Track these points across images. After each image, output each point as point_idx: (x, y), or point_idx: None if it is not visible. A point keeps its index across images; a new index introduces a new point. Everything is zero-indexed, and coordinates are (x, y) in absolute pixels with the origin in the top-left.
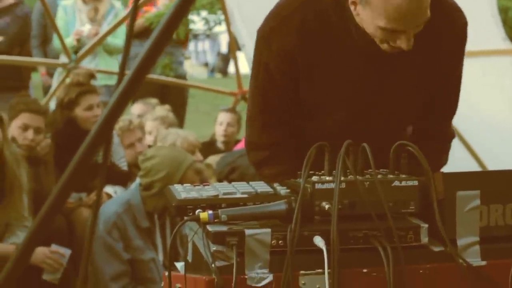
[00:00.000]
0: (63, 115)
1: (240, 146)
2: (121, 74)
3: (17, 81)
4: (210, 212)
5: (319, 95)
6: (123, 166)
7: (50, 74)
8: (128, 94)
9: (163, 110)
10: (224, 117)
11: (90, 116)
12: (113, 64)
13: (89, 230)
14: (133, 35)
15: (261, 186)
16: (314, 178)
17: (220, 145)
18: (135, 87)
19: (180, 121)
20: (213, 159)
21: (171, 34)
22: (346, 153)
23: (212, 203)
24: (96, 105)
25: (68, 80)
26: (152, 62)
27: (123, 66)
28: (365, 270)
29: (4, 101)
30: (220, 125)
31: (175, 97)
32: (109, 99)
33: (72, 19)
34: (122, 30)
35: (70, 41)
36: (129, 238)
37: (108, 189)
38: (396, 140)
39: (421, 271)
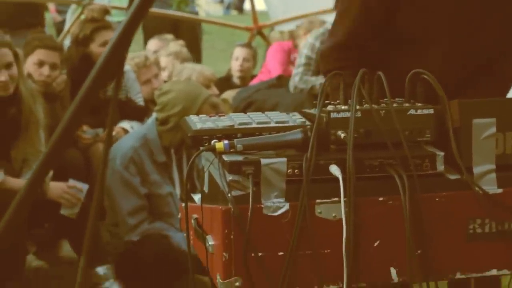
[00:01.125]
0: (78, 51)
1: (256, 81)
2: (130, 2)
3: (33, 18)
4: (226, 142)
5: (420, 23)
6: (140, 101)
7: (60, 11)
8: (134, 24)
9: (177, 46)
10: (240, 52)
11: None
12: (127, 0)
13: (101, 164)
14: None
15: (276, 116)
16: (330, 107)
17: (236, 80)
18: (143, 14)
19: (196, 58)
20: (229, 94)
21: None
22: (361, 82)
23: (228, 133)
24: (103, 44)
25: (82, 17)
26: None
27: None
28: (381, 199)
29: (21, 38)
30: (236, 60)
31: (188, 33)
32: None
33: None
34: None
35: None
36: (146, 172)
37: (125, 124)
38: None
39: (437, 199)
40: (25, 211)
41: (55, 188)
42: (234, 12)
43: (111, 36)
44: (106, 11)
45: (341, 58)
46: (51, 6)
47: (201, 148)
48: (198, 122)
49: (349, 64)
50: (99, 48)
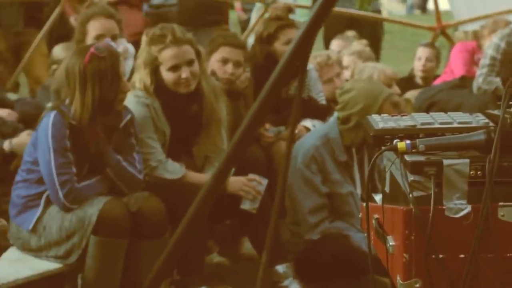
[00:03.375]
0: (262, 49)
1: (439, 81)
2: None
3: (218, 15)
4: (408, 141)
5: None
6: (322, 100)
7: (245, 10)
8: (317, 22)
9: (360, 45)
10: (423, 52)
11: None
12: None
13: (284, 161)
14: None
15: (459, 117)
16: None
17: (418, 80)
18: (323, 16)
19: (376, 57)
20: (411, 94)
21: None
22: None
23: (410, 133)
24: (287, 42)
25: (266, 15)
26: None
27: None
28: None
29: (205, 36)
30: (419, 60)
31: (370, 32)
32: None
33: None
34: None
35: None
36: (327, 171)
37: (307, 123)
38: None
39: None
40: (208, 207)
41: (235, 181)
42: (417, 12)
43: (295, 34)
44: (290, 9)
45: None
46: (237, 4)
47: (383, 147)
48: (380, 121)
49: None
50: (283, 47)
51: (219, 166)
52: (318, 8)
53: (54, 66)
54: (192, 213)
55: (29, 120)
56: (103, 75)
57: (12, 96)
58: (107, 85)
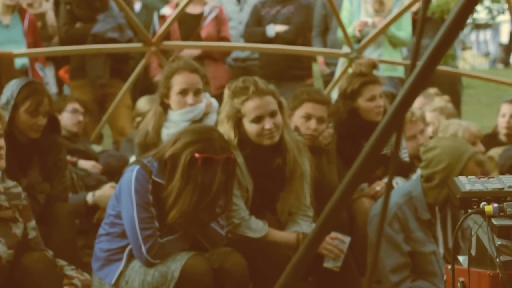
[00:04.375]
0: (346, 105)
1: None
2: (412, 64)
3: (300, 70)
4: (495, 205)
5: None
6: (405, 157)
7: (328, 64)
8: (419, 85)
9: (442, 101)
10: (507, 109)
11: (373, 106)
12: (397, 56)
13: (378, 222)
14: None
15: None
16: None
17: (502, 137)
18: (426, 77)
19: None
20: (495, 152)
21: (463, 24)
22: None
23: (497, 196)
24: (379, 95)
25: (350, 70)
26: (443, 53)
27: (415, 56)
28: None
29: (289, 90)
30: (503, 116)
31: (449, 87)
32: (392, 89)
33: (357, 9)
34: (407, 22)
35: (351, 31)
36: (410, 230)
37: None
38: None
39: None
40: (299, 278)
41: None
42: (500, 66)
43: (379, 90)
44: (374, 65)
45: None
46: (320, 58)
47: (470, 210)
48: (467, 183)
49: None
50: (366, 103)
51: (312, 234)
52: (424, 65)
53: (138, 119)
54: (282, 285)
55: (112, 172)
56: (209, 183)
57: (96, 148)
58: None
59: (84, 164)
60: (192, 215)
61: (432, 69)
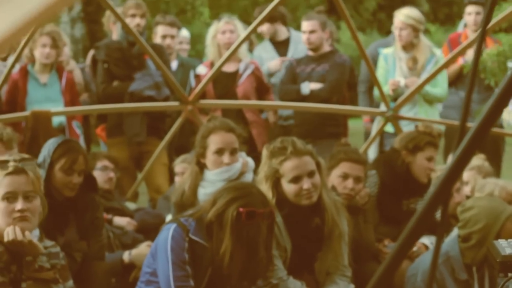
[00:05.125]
0: (403, 157)
1: None
2: (462, 126)
3: (335, 127)
4: None
5: None
6: (439, 217)
7: (373, 121)
8: (471, 150)
9: (479, 160)
10: None
11: (426, 167)
12: (433, 113)
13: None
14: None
15: None
16: None
17: None
18: (478, 141)
19: (496, 171)
20: None
21: None
22: None
23: None
24: (434, 160)
25: (386, 129)
26: (498, 115)
27: (464, 118)
28: None
29: (324, 148)
30: None
31: (489, 146)
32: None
33: (392, 67)
34: (442, 78)
35: (387, 89)
36: None
37: (425, 240)
38: None
39: None
40: None
41: None
42: None
43: (435, 156)
44: (440, 135)
45: None
46: (365, 116)
47: (510, 274)
48: (506, 247)
49: None
50: (423, 161)
51: None
52: (477, 129)
53: (176, 178)
54: None
55: (148, 229)
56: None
57: (130, 205)
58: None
59: (119, 221)
60: (242, 273)
61: (485, 133)
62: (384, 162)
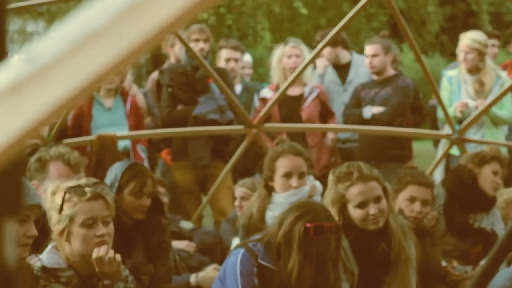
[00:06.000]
0: (472, 170)
1: None
2: None
3: (399, 151)
4: None
5: None
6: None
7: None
8: None
9: None
10: None
11: (492, 180)
12: (500, 135)
13: None
14: None
15: None
16: None
17: None
18: None
19: None
20: None
21: None
22: None
23: None
24: (499, 175)
25: (451, 151)
26: None
27: None
28: None
29: (388, 171)
30: None
31: None
32: None
33: (457, 90)
34: (508, 100)
35: (452, 111)
36: None
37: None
38: None
39: None
40: None
41: None
42: None
43: (500, 171)
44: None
45: None
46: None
47: None
48: None
49: None
50: (489, 174)
51: None
52: None
53: (236, 202)
54: None
55: (207, 250)
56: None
57: (186, 224)
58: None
59: (178, 244)
60: None
61: None
62: (450, 173)
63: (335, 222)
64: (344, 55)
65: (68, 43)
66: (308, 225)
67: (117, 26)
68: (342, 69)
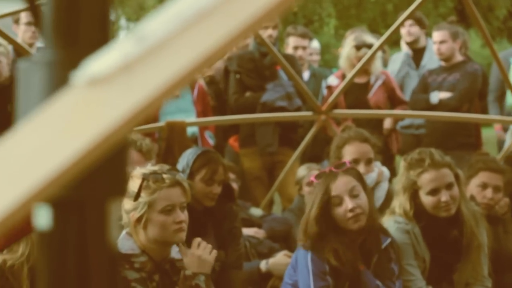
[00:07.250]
0: None
1: None
2: None
3: (467, 137)
4: None
5: None
6: None
7: (505, 129)
8: None
9: None
10: None
11: None
12: None
13: None
14: None
15: None
16: None
17: None
18: None
19: None
20: None
21: None
22: None
23: None
24: None
25: None
26: None
27: None
28: None
29: (456, 158)
30: None
31: None
32: None
33: None
34: None
35: None
36: None
37: None
38: None
39: None
40: None
41: None
42: None
43: None
44: None
45: None
46: (496, 124)
47: None
48: None
49: None
50: None
51: None
52: None
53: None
54: None
55: (277, 237)
56: None
57: (256, 211)
58: None
59: (247, 231)
60: None
61: None
62: (509, 183)
63: None
64: (422, 39)
65: (178, 22)
66: None
67: (227, 5)
68: (417, 53)
